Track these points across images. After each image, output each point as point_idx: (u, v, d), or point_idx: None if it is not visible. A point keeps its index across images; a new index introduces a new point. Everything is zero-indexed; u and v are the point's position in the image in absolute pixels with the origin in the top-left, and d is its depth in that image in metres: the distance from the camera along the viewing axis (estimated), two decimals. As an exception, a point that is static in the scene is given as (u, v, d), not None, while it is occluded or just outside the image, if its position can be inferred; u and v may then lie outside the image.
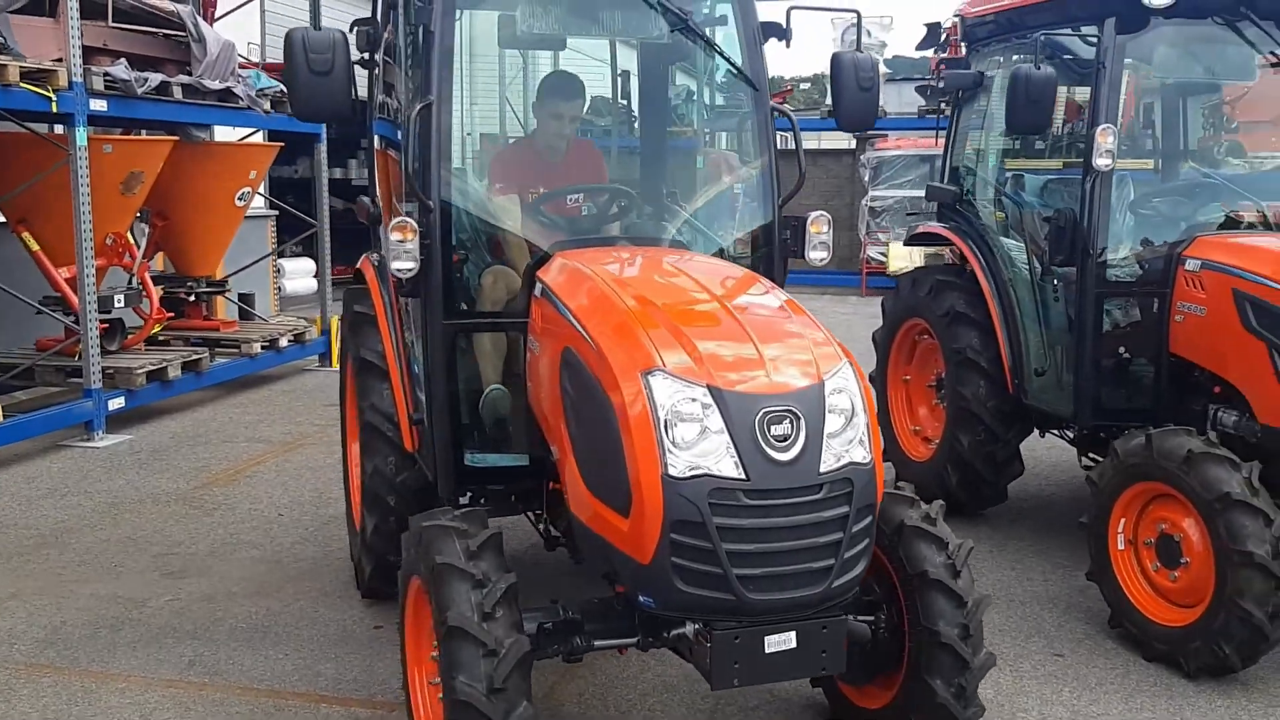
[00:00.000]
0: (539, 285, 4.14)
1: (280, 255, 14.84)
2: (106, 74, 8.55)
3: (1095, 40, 5.58)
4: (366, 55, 5.37)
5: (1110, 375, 5.74)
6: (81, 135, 8.32)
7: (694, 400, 3.21)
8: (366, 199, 5.50)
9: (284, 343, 11.10)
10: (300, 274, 15.58)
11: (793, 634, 3.28)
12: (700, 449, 3.18)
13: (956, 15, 7.31)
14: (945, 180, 7.15)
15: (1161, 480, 4.79)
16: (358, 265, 5.75)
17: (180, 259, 10.93)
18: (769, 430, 3.19)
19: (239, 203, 10.81)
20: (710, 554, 3.16)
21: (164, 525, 6.71)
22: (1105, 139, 5.42)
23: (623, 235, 4.60)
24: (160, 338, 10.23)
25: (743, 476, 3.17)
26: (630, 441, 3.24)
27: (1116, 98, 5.59)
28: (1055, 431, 6.53)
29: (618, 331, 3.50)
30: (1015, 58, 6.86)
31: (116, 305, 9.29)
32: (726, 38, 4.71)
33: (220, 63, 9.83)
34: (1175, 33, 5.75)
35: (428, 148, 4.20)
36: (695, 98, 5.64)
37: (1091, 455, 6.13)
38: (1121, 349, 5.69)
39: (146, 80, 8.86)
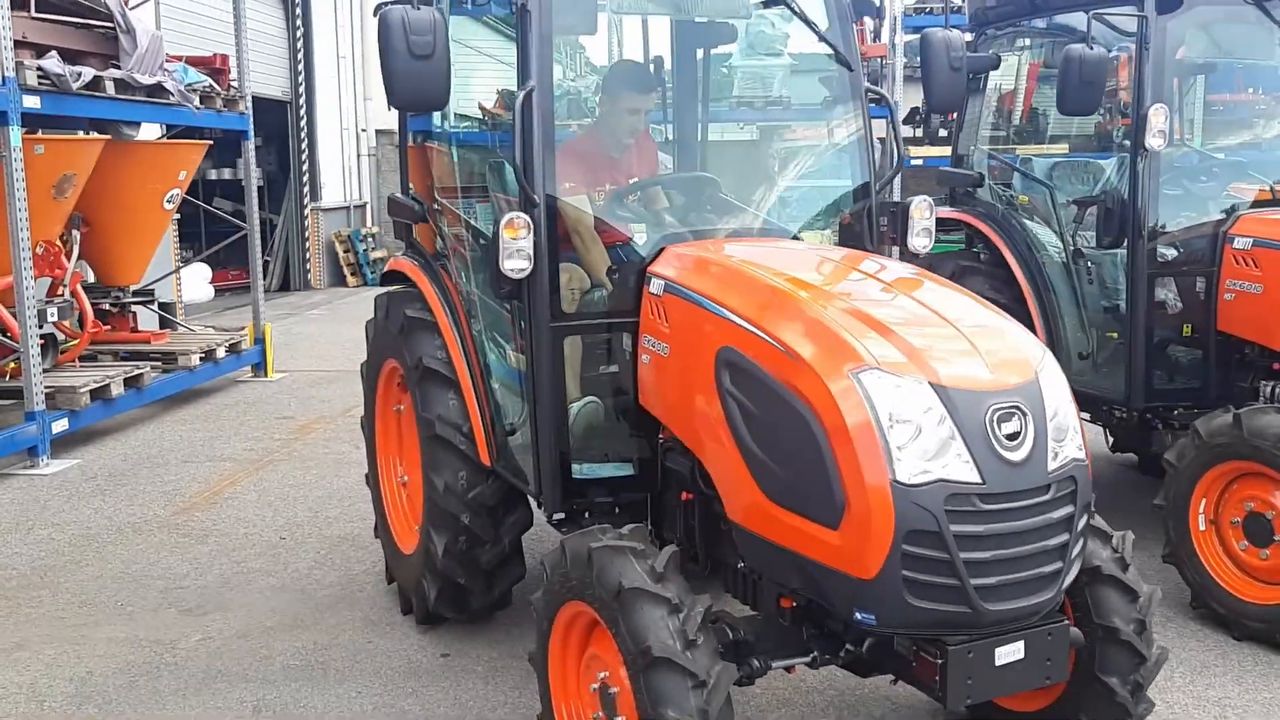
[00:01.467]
0: (659, 281, 3.87)
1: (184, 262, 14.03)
2: (39, 68, 7.84)
3: (1133, 19, 5.55)
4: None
5: (1159, 356, 5.74)
6: (15, 135, 7.62)
7: (918, 398, 2.99)
8: (404, 196, 5.12)
9: (221, 354, 10.44)
10: (196, 280, 14.77)
11: (1021, 644, 3.10)
12: (930, 451, 2.96)
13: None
14: (954, 165, 7.08)
15: (1252, 459, 4.78)
16: (389, 267, 5.36)
17: (104, 267, 10.16)
18: (999, 428, 2.99)
19: (167, 205, 10.12)
20: (946, 565, 2.95)
21: (158, 557, 6.16)
22: (1158, 118, 5.40)
23: (722, 228, 4.34)
24: (85, 352, 9.49)
25: (978, 480, 2.96)
26: (842, 447, 3.00)
27: (1162, 77, 5.57)
28: (1085, 416, 6.52)
29: (806, 327, 3.25)
30: (1023, 42, 6.85)
31: (50, 319, 8.55)
32: (813, 16, 4.49)
33: (149, 56, 9.16)
34: (1207, 12, 5.78)
35: (531, 138, 3.89)
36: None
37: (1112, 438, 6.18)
38: (1174, 329, 5.70)
39: (80, 75, 8.17)
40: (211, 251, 13.98)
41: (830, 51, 4.44)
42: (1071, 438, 3.16)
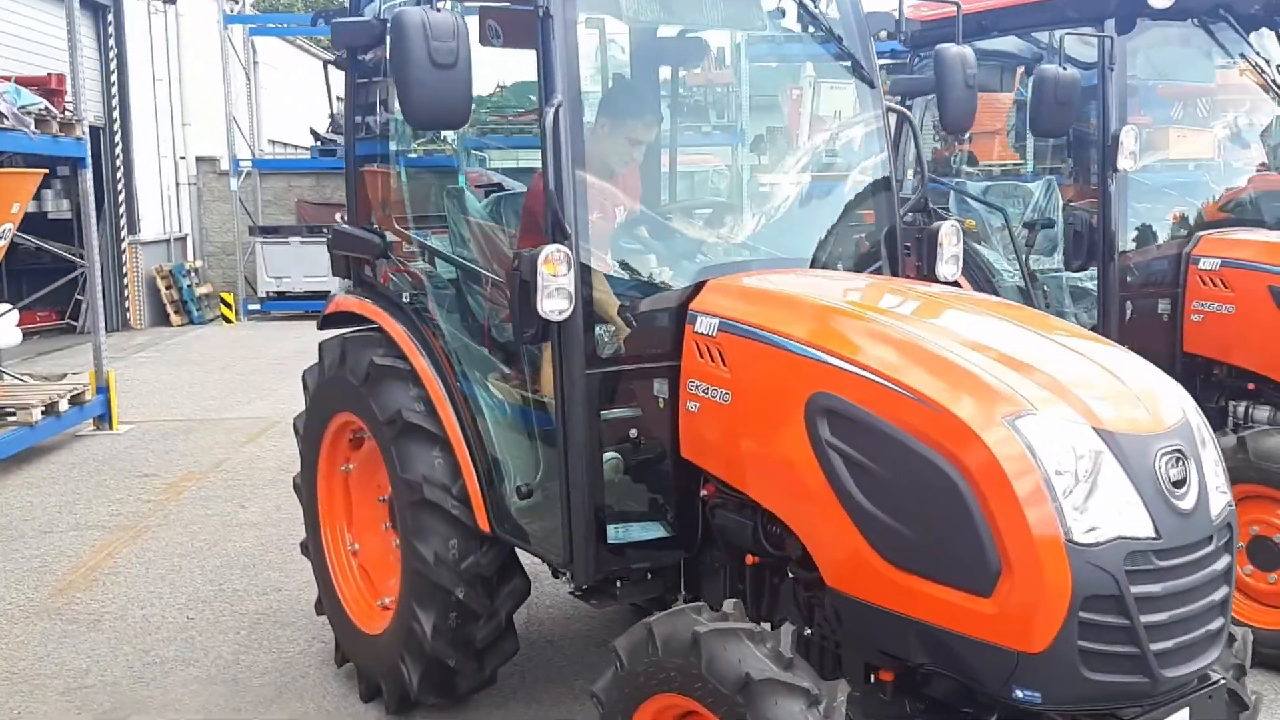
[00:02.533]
0: (709, 319, 3.46)
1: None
2: None
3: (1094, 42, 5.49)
4: (345, 57, 4.47)
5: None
6: None
7: (1085, 444, 2.67)
8: (357, 229, 4.54)
9: (64, 406, 9.35)
10: (3, 325, 13.32)
11: (1186, 711, 2.81)
12: (1103, 505, 2.64)
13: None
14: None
15: (1259, 482, 4.71)
16: (335, 308, 4.75)
17: (-78, 313, 8.96)
18: (1168, 475, 2.71)
19: (0, 241, 9.01)
20: (1126, 631, 2.63)
21: (45, 650, 5.29)
22: (1130, 140, 5.34)
23: (755, 259, 3.96)
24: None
25: (1153, 534, 2.66)
26: (1001, 505, 2.65)
27: (1125, 99, 5.53)
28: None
29: (935, 368, 2.89)
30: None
31: None
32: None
33: (-22, 74, 8.12)
34: (1159, 34, 5.79)
35: (561, 159, 3.42)
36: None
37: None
38: (1142, 351, 5.64)
39: (-94, 94, 7.14)
40: (44, 292, 12.59)
41: (850, 65, 4.12)
42: (1223, 480, 2.92)
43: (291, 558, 6.16)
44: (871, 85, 4.14)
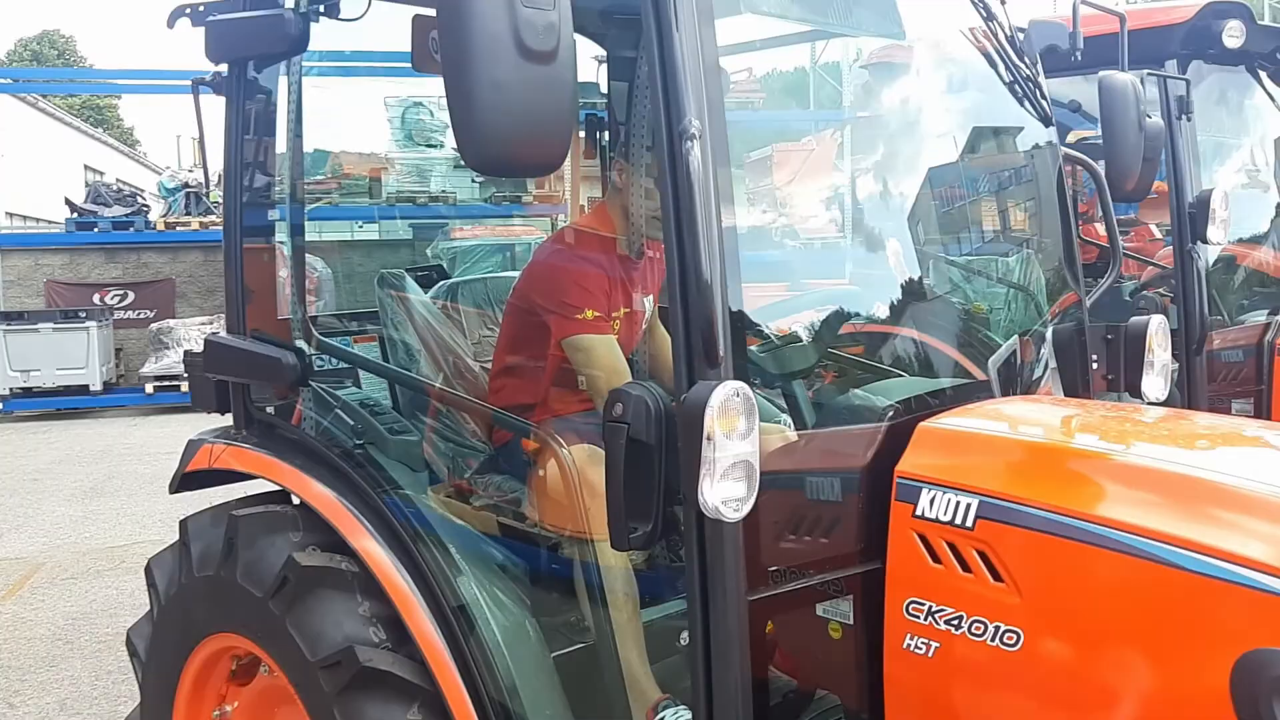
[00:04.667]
0: (946, 496, 2.04)
1: None
2: None
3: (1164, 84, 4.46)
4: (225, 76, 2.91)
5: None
6: None
7: None
8: (252, 339, 2.90)
9: None
10: None
11: None
12: None
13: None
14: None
15: None
16: (199, 465, 3.05)
17: None
18: None
19: None
20: None
21: None
22: (1221, 205, 4.30)
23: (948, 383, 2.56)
24: None
25: None
26: None
27: (1196, 155, 4.52)
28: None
29: None
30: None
31: None
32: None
33: None
34: (1215, 80, 4.84)
35: (699, 226, 1.93)
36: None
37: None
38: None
39: None
40: None
41: (1020, 93, 2.82)
42: None
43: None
44: (1047, 122, 2.86)
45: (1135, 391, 2.86)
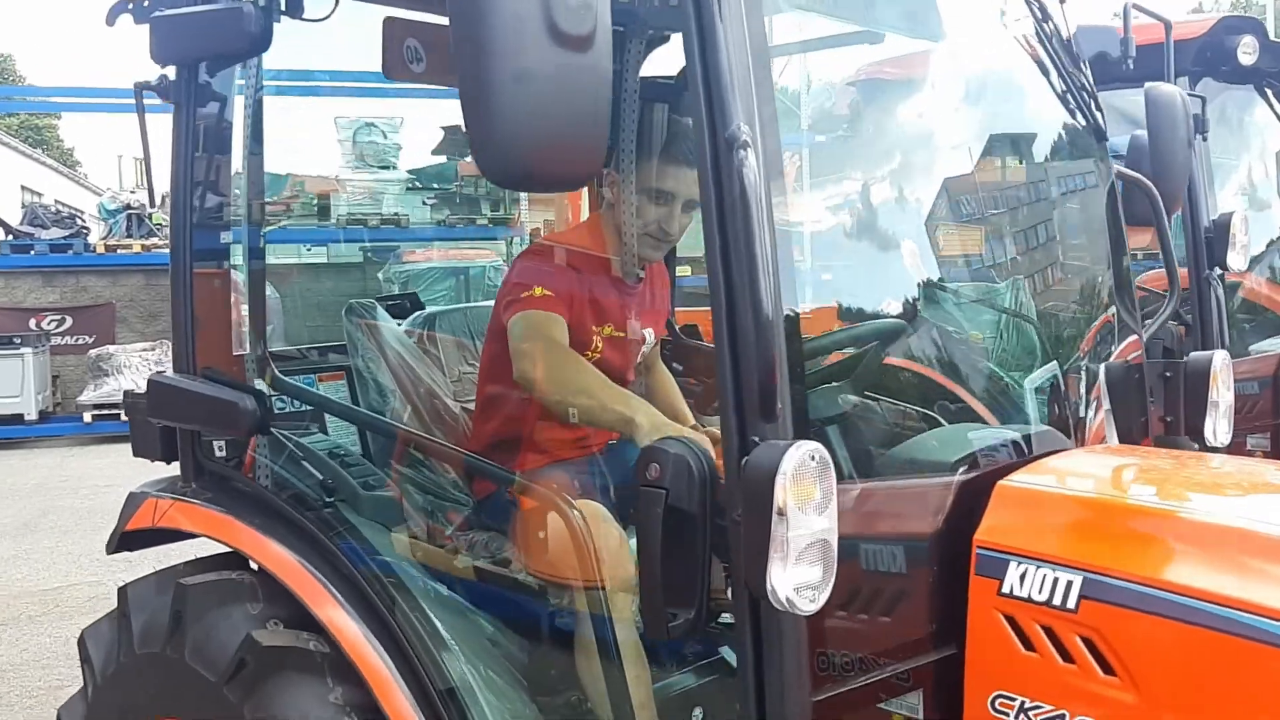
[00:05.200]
0: (1039, 571, 1.72)
1: None
2: None
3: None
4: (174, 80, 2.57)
5: None
6: None
7: None
8: (227, 388, 2.53)
9: None
10: None
11: None
12: None
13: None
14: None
15: None
16: (141, 519, 2.66)
17: None
18: None
19: None
20: None
21: None
22: (1241, 229, 4.06)
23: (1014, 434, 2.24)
24: None
25: None
26: None
27: (1211, 176, 4.28)
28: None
29: None
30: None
31: None
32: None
33: None
34: (1219, 99, 4.62)
35: (758, 251, 1.59)
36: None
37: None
38: None
39: None
40: None
41: (1071, 101, 2.53)
42: None
43: None
44: (1100, 136, 2.57)
45: (1195, 435, 2.57)
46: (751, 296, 1.52)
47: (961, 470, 1.96)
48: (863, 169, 2.40)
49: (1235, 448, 3.82)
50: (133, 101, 2.59)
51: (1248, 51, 4.23)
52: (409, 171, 17.61)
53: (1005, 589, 1.75)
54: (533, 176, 1.33)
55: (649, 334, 2.80)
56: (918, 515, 1.91)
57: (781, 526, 1.45)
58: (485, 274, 15.74)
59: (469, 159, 16.61)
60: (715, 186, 1.57)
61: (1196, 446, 2.57)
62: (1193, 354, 2.59)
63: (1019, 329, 2.57)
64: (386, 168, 15.93)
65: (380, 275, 17.56)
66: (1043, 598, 1.71)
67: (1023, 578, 1.74)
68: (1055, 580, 1.71)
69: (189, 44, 2.48)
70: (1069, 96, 2.49)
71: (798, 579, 1.48)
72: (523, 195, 14.77)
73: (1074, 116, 2.52)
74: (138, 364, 14.18)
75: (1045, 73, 2.46)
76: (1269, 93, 4.66)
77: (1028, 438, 2.17)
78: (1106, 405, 2.55)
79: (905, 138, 2.54)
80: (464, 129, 1.30)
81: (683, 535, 1.59)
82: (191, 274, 2.57)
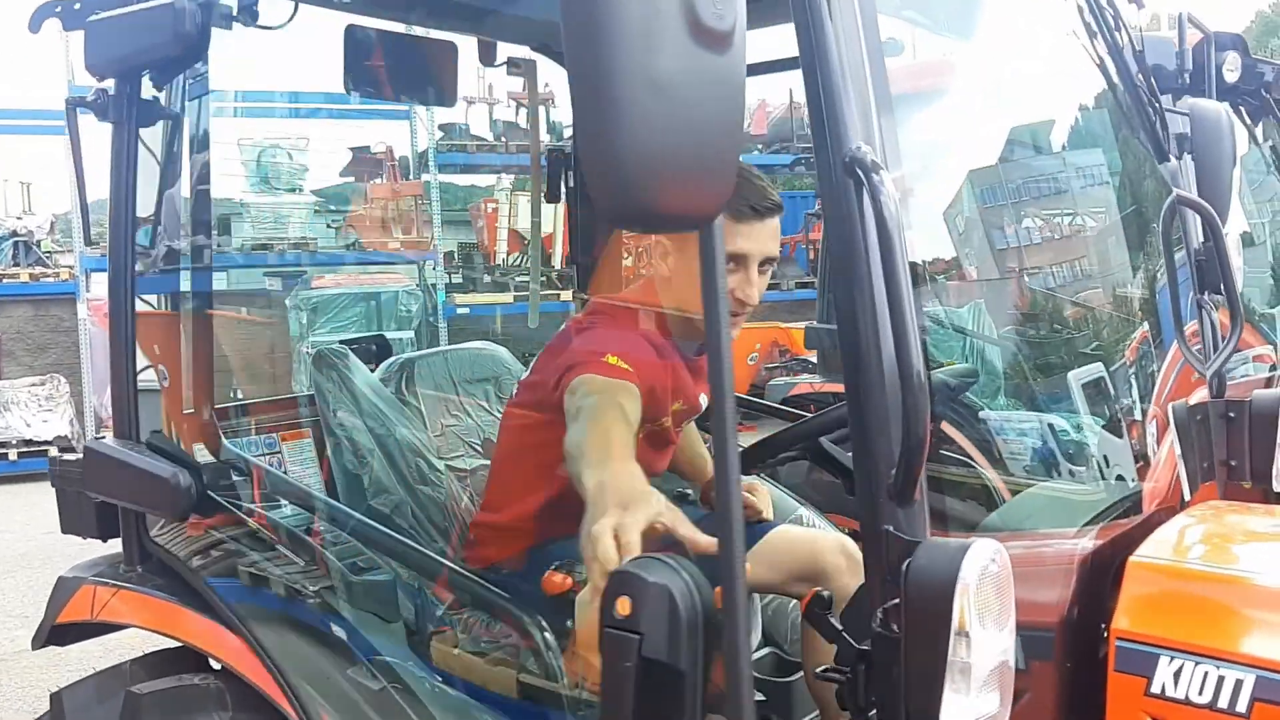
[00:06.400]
0: (1200, 668, 1.48)
1: None
2: None
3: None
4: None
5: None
6: None
7: None
8: (166, 462, 2.16)
9: None
10: None
11: None
12: None
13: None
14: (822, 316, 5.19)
15: None
16: (74, 612, 2.27)
17: None
18: None
19: None
20: None
21: None
22: (1235, 253, 3.92)
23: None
24: None
25: None
26: None
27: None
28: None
29: None
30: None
31: None
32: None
33: None
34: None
35: (901, 286, 1.29)
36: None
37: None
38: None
39: None
40: None
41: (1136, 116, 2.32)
42: None
43: None
44: (1162, 157, 2.35)
45: (1261, 480, 2.37)
46: (900, 359, 1.22)
47: (1072, 540, 1.70)
48: (921, 195, 2.13)
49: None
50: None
51: (1232, 69, 4.09)
52: (314, 193, 17.04)
53: (1155, 688, 1.49)
54: (666, 212, 1.01)
55: (704, 398, 2.41)
56: (1034, 599, 1.63)
57: (962, 648, 1.15)
58: (397, 300, 15.26)
59: (379, 181, 16.11)
60: (843, 222, 1.27)
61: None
62: (1256, 392, 2.39)
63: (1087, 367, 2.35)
64: (292, 190, 15.34)
65: (287, 302, 16.92)
66: (1204, 699, 1.45)
67: (1177, 675, 1.47)
68: (1221, 679, 1.45)
69: (122, 50, 2.12)
70: (1135, 115, 2.27)
71: (979, 711, 1.18)
72: (436, 217, 14.32)
73: (1137, 137, 2.31)
74: (25, 400, 13.34)
75: (1113, 88, 2.25)
76: (1243, 110, 4.56)
77: (1125, 495, 1.93)
78: (1178, 449, 2.33)
79: (954, 170, 2.29)
80: (578, 152, 0.99)
81: (661, 695, 1.23)
82: (134, 319, 2.19)
